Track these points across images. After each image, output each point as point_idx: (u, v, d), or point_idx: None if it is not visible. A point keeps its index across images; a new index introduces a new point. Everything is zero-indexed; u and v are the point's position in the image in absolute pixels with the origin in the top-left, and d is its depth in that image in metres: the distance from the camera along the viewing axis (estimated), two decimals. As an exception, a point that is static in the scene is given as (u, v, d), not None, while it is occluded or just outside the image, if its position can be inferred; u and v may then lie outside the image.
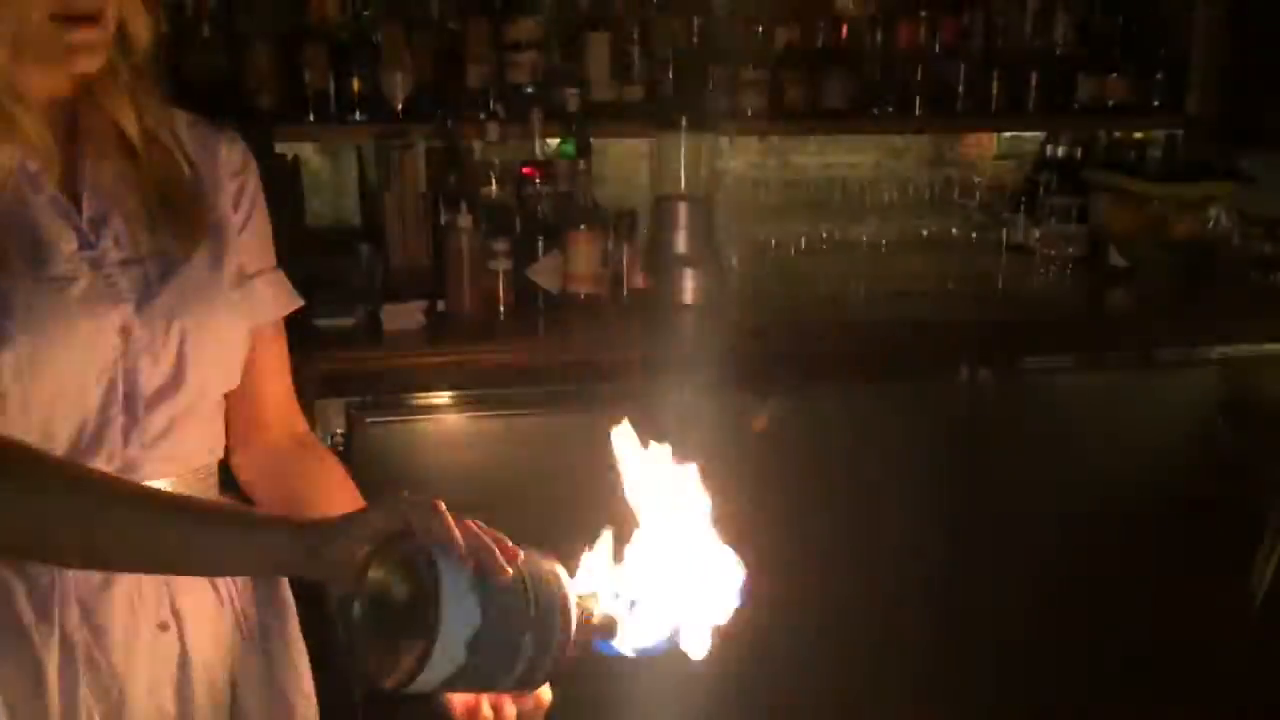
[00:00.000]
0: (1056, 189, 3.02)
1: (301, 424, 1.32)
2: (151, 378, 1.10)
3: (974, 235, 3.08)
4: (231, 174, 1.22)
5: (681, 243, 2.56)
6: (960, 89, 3.02)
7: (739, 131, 2.70)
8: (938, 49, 3.00)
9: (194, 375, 1.13)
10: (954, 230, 3.07)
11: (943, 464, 2.38)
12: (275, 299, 1.26)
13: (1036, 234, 3.02)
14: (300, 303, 1.29)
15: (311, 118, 2.56)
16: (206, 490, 1.18)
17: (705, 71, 2.81)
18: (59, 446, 1.06)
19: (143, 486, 1.09)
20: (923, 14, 2.97)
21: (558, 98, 2.68)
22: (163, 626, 1.12)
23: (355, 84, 2.59)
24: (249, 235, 1.23)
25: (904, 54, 2.98)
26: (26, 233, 1.06)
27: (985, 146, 3.34)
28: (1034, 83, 3.04)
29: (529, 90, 2.68)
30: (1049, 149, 3.17)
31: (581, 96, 2.70)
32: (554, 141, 2.65)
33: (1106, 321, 2.74)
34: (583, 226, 2.47)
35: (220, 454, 1.22)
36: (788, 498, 2.18)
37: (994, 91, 3.03)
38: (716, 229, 2.63)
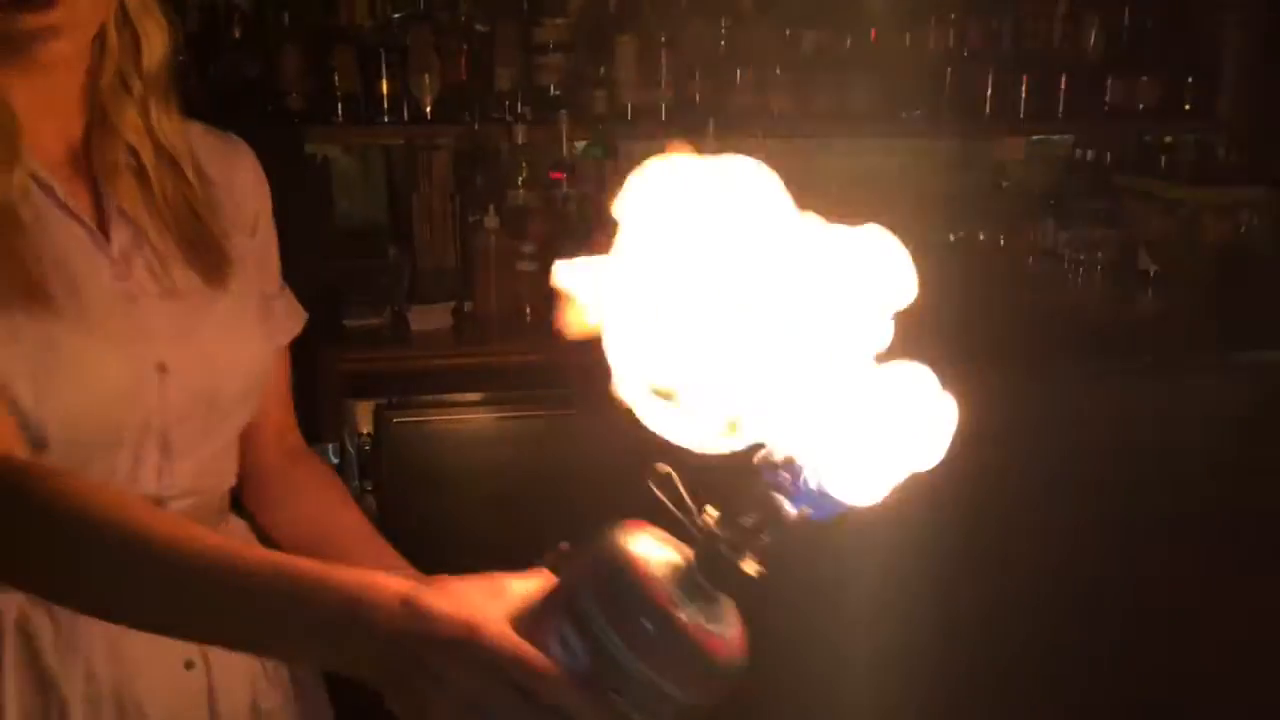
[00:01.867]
0: (1086, 193, 3.01)
1: (295, 437, 1.28)
2: (187, 415, 1.06)
3: (1002, 239, 3.07)
4: (248, 193, 1.17)
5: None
6: (989, 92, 3.00)
7: (766, 134, 2.69)
8: (966, 53, 2.99)
9: (227, 409, 1.10)
10: (981, 234, 3.06)
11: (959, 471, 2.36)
12: (289, 318, 1.23)
13: (1065, 238, 3.01)
14: (305, 316, 1.25)
15: (340, 119, 2.57)
16: (222, 511, 1.16)
17: (733, 74, 2.81)
18: None
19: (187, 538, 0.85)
20: (951, 17, 2.96)
21: (585, 100, 2.68)
22: (189, 665, 1.09)
23: (384, 86, 2.61)
24: (265, 256, 1.19)
25: (932, 57, 2.97)
26: (61, 266, 1.00)
27: (1014, 150, 3.33)
28: (1063, 86, 3.02)
29: (556, 93, 2.69)
30: (1078, 152, 3.15)
31: (609, 99, 2.70)
32: (581, 144, 2.66)
33: (1137, 327, 2.72)
34: (610, 229, 2.47)
35: (234, 478, 1.18)
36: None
37: (1023, 95, 3.02)
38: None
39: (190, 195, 1.08)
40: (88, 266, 1.01)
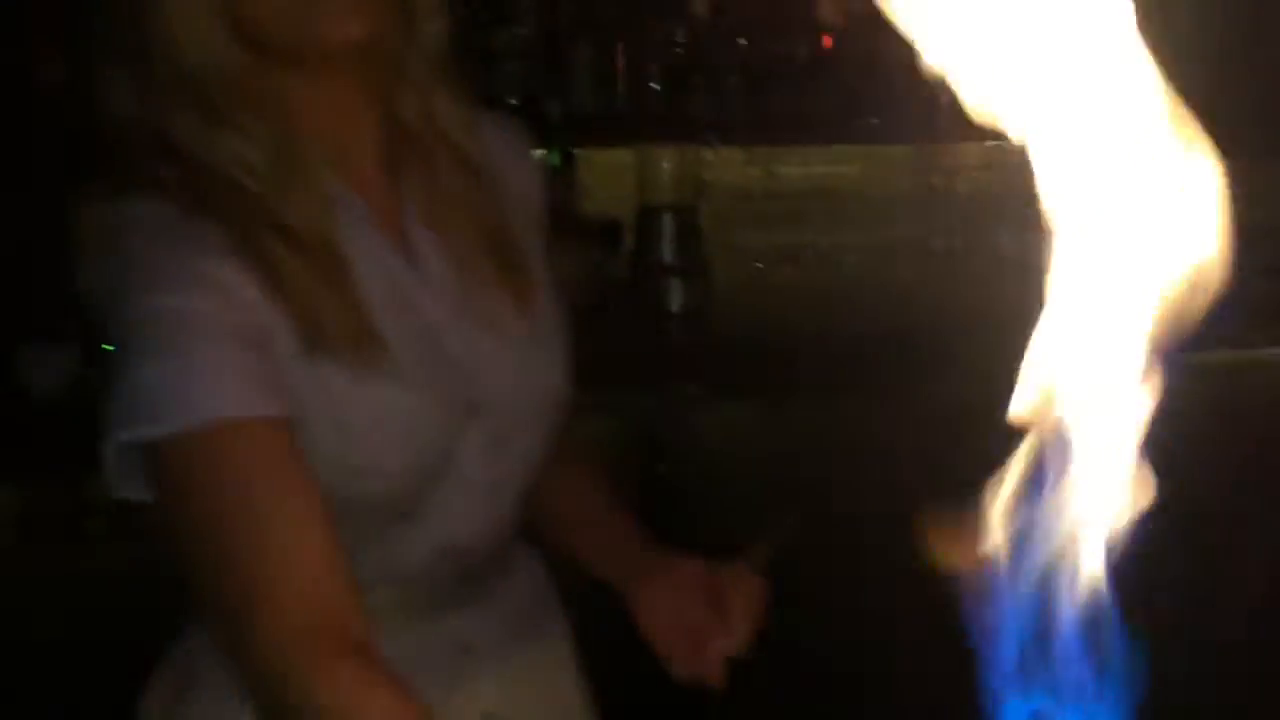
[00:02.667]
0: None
1: None
2: (493, 454, 0.97)
3: (959, 245, 3.09)
4: (533, 187, 1.08)
5: (668, 253, 2.57)
6: (943, 99, 3.02)
7: (723, 142, 2.70)
8: (920, 58, 3.00)
9: (533, 443, 1.01)
10: (940, 244, 3.08)
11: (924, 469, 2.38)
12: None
13: (1022, 244, 3.02)
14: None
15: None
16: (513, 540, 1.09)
17: (689, 82, 2.81)
18: (371, 541, 0.92)
19: None
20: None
21: (541, 108, 2.68)
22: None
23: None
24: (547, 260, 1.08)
25: (887, 64, 2.99)
26: (372, 301, 0.90)
27: (971, 155, 3.35)
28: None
29: (512, 101, 2.69)
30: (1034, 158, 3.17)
31: (564, 107, 2.70)
32: (538, 152, 2.65)
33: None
34: (570, 238, 2.47)
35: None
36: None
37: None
38: (703, 240, 2.64)
39: (492, 207, 0.99)
40: (398, 298, 0.93)
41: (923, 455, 2.38)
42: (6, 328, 2.16)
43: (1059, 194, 0.61)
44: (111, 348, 0.85)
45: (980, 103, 0.62)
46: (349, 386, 0.87)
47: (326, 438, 0.87)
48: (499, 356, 0.97)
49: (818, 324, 2.59)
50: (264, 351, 0.84)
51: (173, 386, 0.81)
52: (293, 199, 0.87)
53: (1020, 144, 0.59)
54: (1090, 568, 0.60)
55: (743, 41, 2.89)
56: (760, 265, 2.90)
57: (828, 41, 2.99)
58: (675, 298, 2.52)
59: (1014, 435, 0.64)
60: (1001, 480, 0.61)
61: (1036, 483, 0.62)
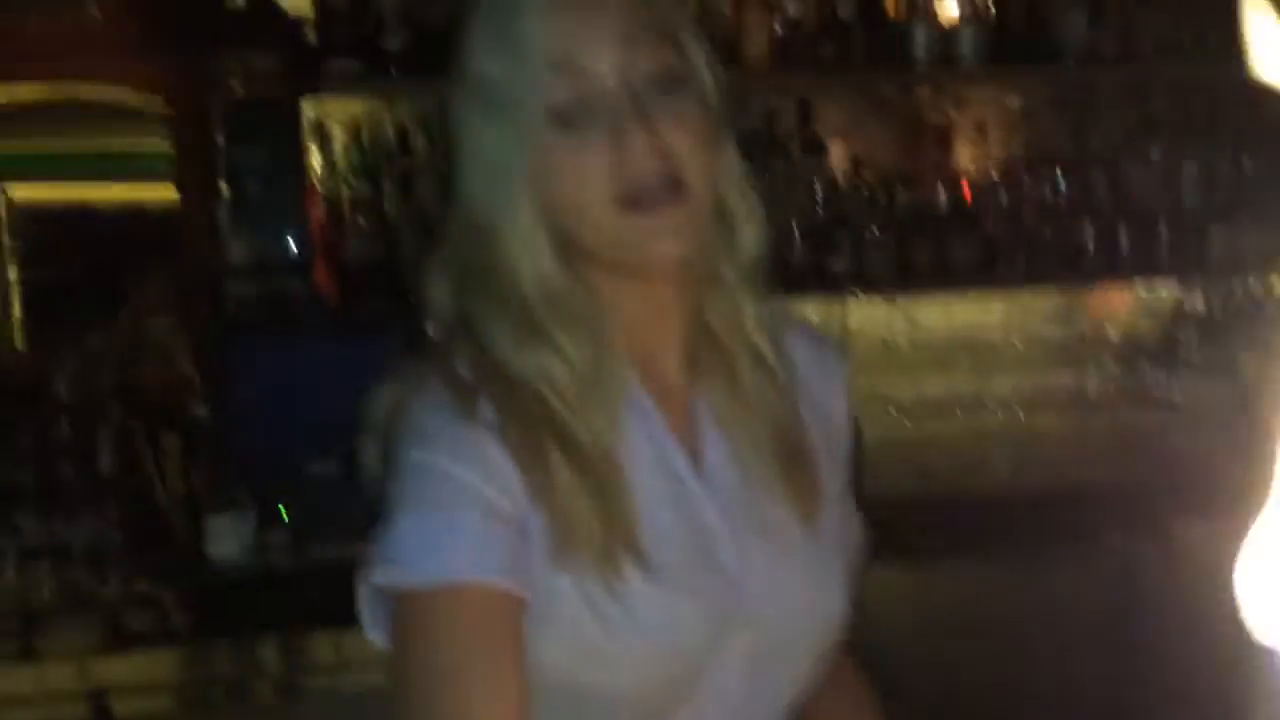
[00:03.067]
0: (1198, 343, 2.97)
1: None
2: (758, 671, 0.94)
3: (1112, 391, 3.03)
4: (837, 410, 1.03)
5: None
6: (1090, 245, 3.01)
7: (866, 292, 2.73)
8: (1062, 206, 3.01)
9: (801, 664, 0.97)
10: (1092, 391, 3.02)
11: (1091, 643, 2.29)
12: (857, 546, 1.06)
13: (1179, 389, 2.96)
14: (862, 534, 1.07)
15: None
16: None
17: (831, 234, 2.86)
18: None
19: None
20: (1046, 173, 3.00)
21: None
22: None
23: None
24: (843, 486, 1.04)
25: (1029, 212, 3.00)
26: (649, 507, 0.90)
27: (1117, 300, 3.31)
28: (1164, 236, 3.02)
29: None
30: (1186, 302, 3.12)
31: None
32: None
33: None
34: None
35: None
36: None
37: (1123, 246, 3.02)
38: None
39: (788, 413, 0.97)
40: (677, 502, 0.92)
41: (1097, 623, 2.30)
42: (193, 501, 2.28)
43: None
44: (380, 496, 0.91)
45: None
46: (605, 582, 0.87)
47: (579, 621, 0.87)
48: (774, 570, 0.93)
49: (970, 478, 2.55)
50: (518, 533, 0.86)
51: (429, 541, 0.85)
52: (586, 416, 0.89)
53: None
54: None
55: (882, 194, 2.94)
56: (907, 423, 2.89)
57: (968, 191, 3.02)
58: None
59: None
60: None
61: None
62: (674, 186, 0.86)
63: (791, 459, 0.96)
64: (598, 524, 0.87)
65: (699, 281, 0.94)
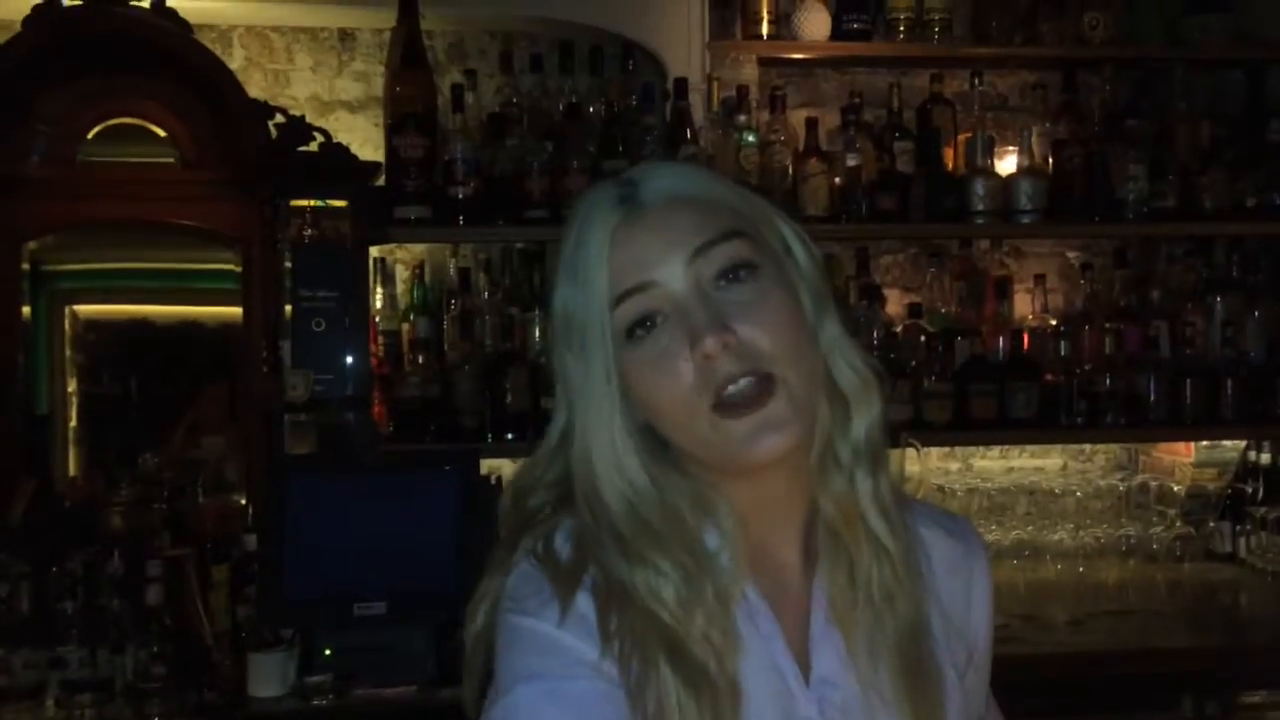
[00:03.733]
0: (1264, 498, 2.89)
1: None
2: None
3: (1177, 544, 2.95)
4: (977, 606, 0.99)
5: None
6: (1151, 396, 2.96)
7: (924, 443, 2.70)
8: (1123, 359, 2.97)
9: None
10: (1154, 542, 2.95)
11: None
12: None
13: (1246, 544, 2.88)
14: None
15: (512, 436, 2.67)
16: None
17: (889, 384, 2.84)
18: None
19: None
20: (1107, 325, 2.97)
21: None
22: None
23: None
24: (976, 694, 1.00)
25: (1089, 362, 2.97)
26: (750, 678, 0.86)
27: (1180, 452, 3.24)
28: (1229, 389, 2.96)
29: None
30: (1251, 455, 3.05)
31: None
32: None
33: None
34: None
35: None
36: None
37: (1187, 399, 2.96)
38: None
39: (913, 614, 0.91)
40: (780, 708, 0.88)
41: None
42: (238, 636, 2.27)
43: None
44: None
45: None
46: None
47: None
48: None
49: (1026, 631, 2.47)
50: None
51: (543, 706, 0.84)
52: (699, 630, 0.85)
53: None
54: None
55: (940, 343, 2.93)
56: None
57: (1027, 340, 3.00)
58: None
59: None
60: None
61: None
62: (763, 382, 0.85)
63: (912, 668, 0.90)
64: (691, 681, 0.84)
65: (814, 466, 0.91)
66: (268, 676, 2.12)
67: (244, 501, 2.57)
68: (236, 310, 2.64)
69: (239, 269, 2.64)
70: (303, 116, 2.55)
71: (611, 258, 0.88)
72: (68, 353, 2.73)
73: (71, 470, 2.68)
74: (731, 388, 0.85)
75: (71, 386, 2.73)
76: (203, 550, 2.38)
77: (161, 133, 2.61)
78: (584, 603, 0.86)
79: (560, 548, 0.89)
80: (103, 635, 2.15)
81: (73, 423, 2.71)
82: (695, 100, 2.84)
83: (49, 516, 2.44)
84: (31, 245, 2.63)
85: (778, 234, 0.93)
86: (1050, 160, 2.98)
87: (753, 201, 0.94)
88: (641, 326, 0.87)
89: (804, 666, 0.90)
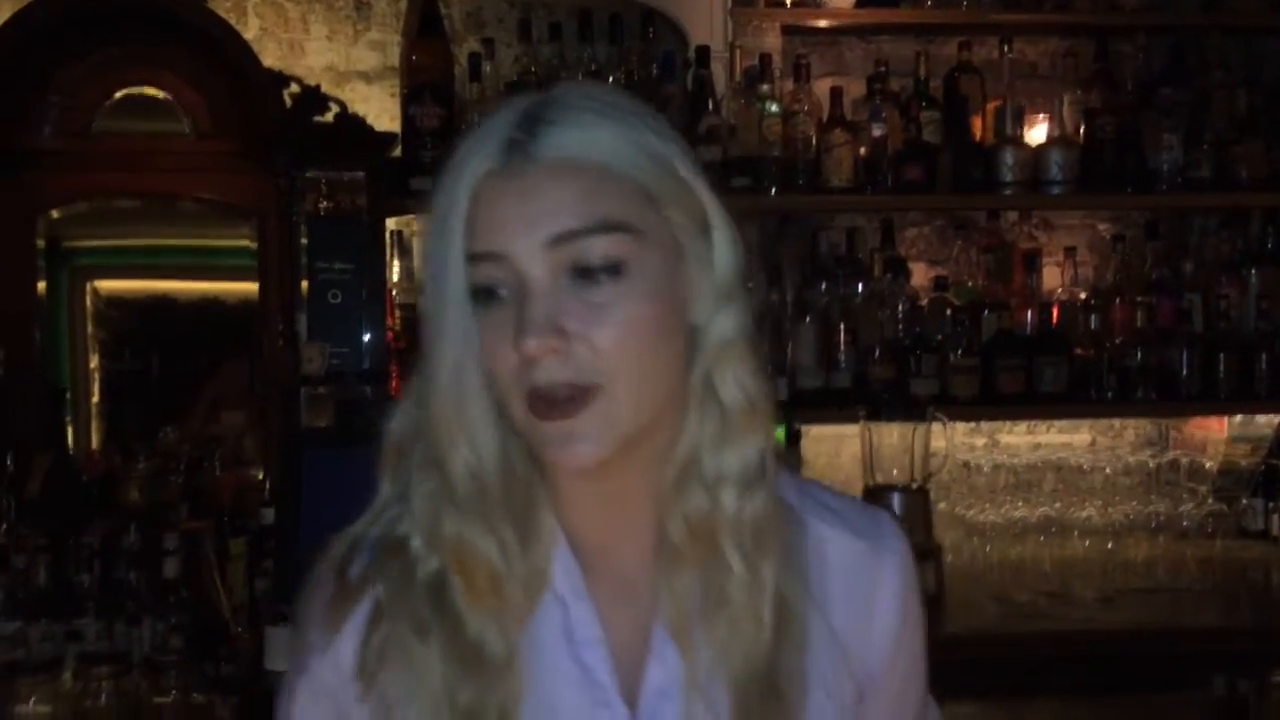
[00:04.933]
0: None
1: None
2: None
3: (1208, 521, 2.89)
4: (879, 624, 0.89)
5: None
6: (1184, 370, 2.90)
7: (950, 417, 2.65)
8: (1155, 332, 2.91)
9: None
10: (1184, 519, 2.89)
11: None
12: None
13: (1279, 522, 2.82)
14: None
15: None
16: None
17: (914, 358, 2.80)
18: None
19: None
20: (1138, 298, 2.91)
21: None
22: None
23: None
24: (888, 708, 0.91)
25: (1120, 336, 2.91)
26: (550, 692, 0.82)
27: (1212, 427, 3.18)
28: (1264, 364, 2.90)
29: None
30: (1287, 432, 2.99)
31: (790, 385, 2.72)
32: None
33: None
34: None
35: None
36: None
37: (1220, 374, 2.90)
38: (933, 518, 2.56)
39: (773, 639, 0.82)
40: (580, 699, 0.82)
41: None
42: (255, 610, 2.26)
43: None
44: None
45: None
46: None
47: None
48: None
49: (1054, 609, 2.43)
50: None
51: None
52: (492, 612, 0.81)
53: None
54: None
55: (966, 316, 2.88)
56: (987, 549, 2.78)
57: (1056, 314, 2.95)
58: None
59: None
60: None
61: None
62: (580, 393, 0.77)
63: (761, 692, 0.81)
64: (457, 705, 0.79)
65: (671, 477, 0.83)
66: (283, 651, 2.10)
67: (261, 476, 2.56)
68: (256, 287, 2.63)
69: (255, 245, 2.62)
70: (318, 86, 2.52)
71: (474, 209, 0.80)
72: (89, 329, 2.72)
73: (93, 445, 2.68)
74: (547, 390, 0.78)
75: (94, 363, 2.72)
76: (220, 524, 2.37)
77: (176, 104, 2.58)
78: (349, 640, 0.84)
79: (346, 584, 0.86)
80: (120, 608, 2.14)
81: (95, 398, 2.71)
82: (717, 69, 2.79)
83: (66, 489, 2.44)
84: (54, 214, 2.62)
85: (696, 213, 0.83)
86: (1082, 130, 2.91)
87: (674, 173, 0.82)
88: (486, 294, 0.80)
89: (637, 680, 0.84)
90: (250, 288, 2.67)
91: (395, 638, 0.82)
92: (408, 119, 2.61)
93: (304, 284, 2.49)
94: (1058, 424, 3.14)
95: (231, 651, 2.17)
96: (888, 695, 0.90)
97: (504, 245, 0.79)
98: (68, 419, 2.64)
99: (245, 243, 2.69)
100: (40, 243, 2.64)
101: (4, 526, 2.32)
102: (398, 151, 2.60)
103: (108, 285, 2.76)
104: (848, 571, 0.88)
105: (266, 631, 2.12)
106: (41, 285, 2.65)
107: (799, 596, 0.84)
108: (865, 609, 0.88)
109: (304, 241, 2.49)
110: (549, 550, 0.84)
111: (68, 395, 2.65)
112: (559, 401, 0.77)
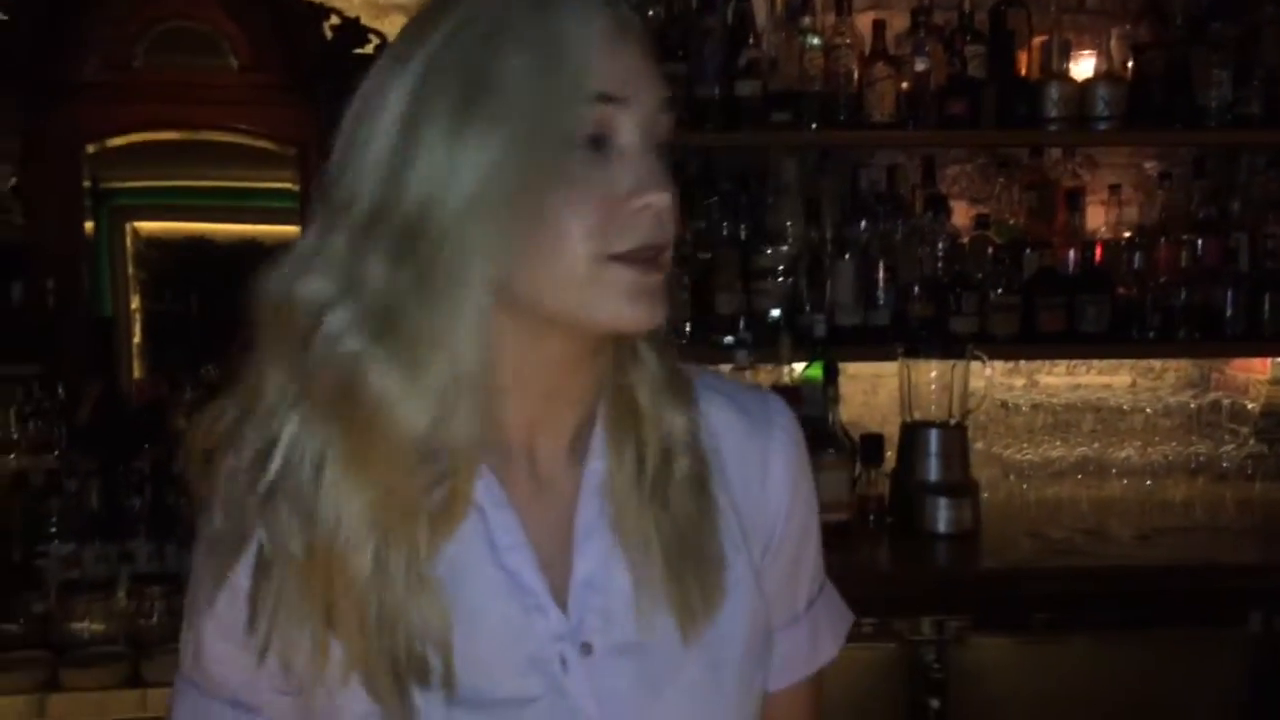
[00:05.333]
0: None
1: None
2: None
3: (1249, 463, 2.87)
4: (772, 496, 0.90)
5: (933, 471, 2.50)
6: (1228, 311, 2.87)
7: (990, 355, 2.64)
8: (1200, 272, 2.88)
9: None
10: (1224, 460, 2.87)
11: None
12: (809, 653, 0.95)
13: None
14: (848, 626, 0.97)
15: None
16: None
17: (953, 296, 2.79)
18: None
19: None
20: (1184, 237, 2.88)
21: (804, 323, 2.71)
22: None
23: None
24: (781, 579, 0.92)
25: (1164, 276, 2.88)
26: (479, 607, 0.79)
27: (1255, 369, 3.15)
28: (1309, 304, 2.86)
29: (776, 316, 2.73)
30: (1331, 373, 2.96)
31: (828, 321, 2.72)
32: (799, 366, 2.67)
33: None
34: (831, 452, 2.44)
35: None
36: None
37: (1265, 313, 2.87)
38: (970, 456, 2.57)
39: (692, 512, 0.84)
40: (516, 614, 0.81)
41: (1224, 713, 2.16)
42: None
43: None
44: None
45: None
46: (399, 710, 0.78)
47: None
48: (641, 699, 0.81)
49: (1090, 546, 2.43)
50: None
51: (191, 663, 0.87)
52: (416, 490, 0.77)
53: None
54: None
55: (1007, 255, 2.85)
56: (1024, 487, 2.78)
57: (1100, 252, 2.92)
58: (942, 518, 2.44)
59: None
60: None
61: None
62: (663, 255, 0.80)
63: (682, 562, 0.82)
64: (383, 646, 0.76)
65: (614, 351, 0.84)
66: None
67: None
68: (295, 230, 2.64)
69: (296, 188, 2.63)
70: (358, 19, 2.53)
71: (595, 51, 0.76)
72: (130, 270, 2.75)
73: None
74: (656, 244, 0.78)
75: (135, 303, 2.76)
76: (265, 453, 2.41)
77: (218, 36, 2.59)
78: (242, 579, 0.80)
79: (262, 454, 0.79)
80: (170, 531, 2.19)
81: (136, 339, 2.75)
82: (758, 2, 2.75)
83: (116, 417, 2.49)
84: (91, 150, 2.65)
85: None
86: (1129, 65, 2.86)
87: None
88: (596, 142, 0.76)
89: (563, 579, 0.83)
90: (288, 230, 2.68)
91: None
92: (448, 52, 2.60)
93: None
94: (1098, 365, 3.12)
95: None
96: (780, 567, 0.92)
97: (637, 94, 0.77)
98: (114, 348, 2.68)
99: (283, 185, 2.70)
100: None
101: (56, 453, 2.38)
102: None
103: (147, 227, 2.79)
104: (740, 449, 0.89)
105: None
106: (89, 225, 2.68)
107: (708, 469, 0.86)
108: (759, 484, 0.90)
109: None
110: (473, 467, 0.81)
111: (113, 326, 2.70)
112: (654, 260, 0.78)
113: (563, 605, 0.82)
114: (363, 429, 0.75)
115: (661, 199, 0.77)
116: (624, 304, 0.77)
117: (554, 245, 0.75)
